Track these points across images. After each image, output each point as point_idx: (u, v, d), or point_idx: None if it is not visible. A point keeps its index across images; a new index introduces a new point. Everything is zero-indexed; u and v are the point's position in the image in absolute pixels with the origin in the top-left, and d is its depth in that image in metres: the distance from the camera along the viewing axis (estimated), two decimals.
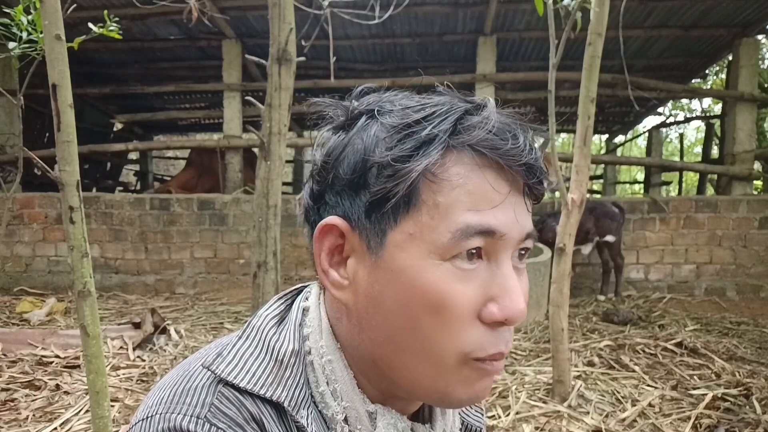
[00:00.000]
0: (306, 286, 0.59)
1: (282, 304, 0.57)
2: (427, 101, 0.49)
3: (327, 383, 0.51)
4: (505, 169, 0.47)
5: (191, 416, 0.45)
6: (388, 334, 0.48)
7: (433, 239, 0.46)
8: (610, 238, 5.40)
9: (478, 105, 0.49)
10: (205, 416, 0.46)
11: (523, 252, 0.51)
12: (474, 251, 0.46)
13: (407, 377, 0.49)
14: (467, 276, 0.46)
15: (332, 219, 0.50)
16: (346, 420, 0.51)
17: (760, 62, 8.23)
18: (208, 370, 0.49)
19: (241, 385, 0.48)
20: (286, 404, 0.48)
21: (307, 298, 0.56)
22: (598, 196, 9.96)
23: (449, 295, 0.45)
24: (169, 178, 10.04)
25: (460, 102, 0.49)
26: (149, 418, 0.46)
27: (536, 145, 0.50)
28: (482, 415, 0.69)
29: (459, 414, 0.64)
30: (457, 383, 0.48)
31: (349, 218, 0.49)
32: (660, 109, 10.51)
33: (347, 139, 0.50)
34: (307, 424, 0.49)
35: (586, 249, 5.43)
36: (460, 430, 0.63)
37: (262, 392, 0.48)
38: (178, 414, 0.46)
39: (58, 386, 2.80)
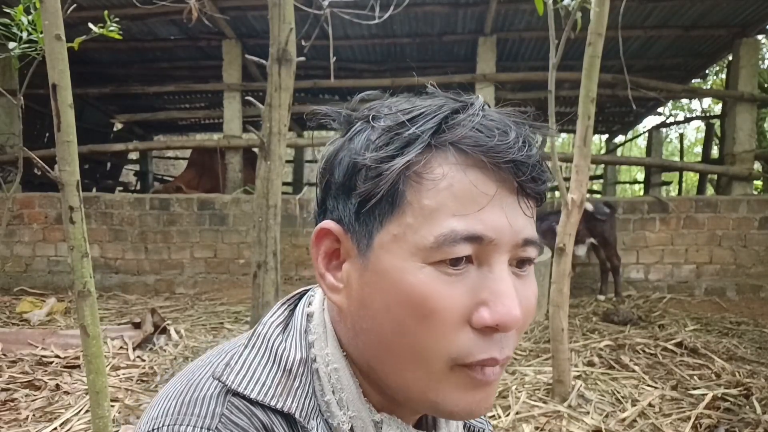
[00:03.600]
0: (308, 290, 0.58)
1: (286, 309, 0.56)
2: (420, 103, 0.48)
3: (333, 392, 0.50)
4: (490, 167, 0.45)
5: (201, 428, 0.44)
6: (378, 337, 0.48)
7: (416, 241, 0.45)
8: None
9: (467, 104, 0.48)
10: (216, 427, 0.44)
11: (525, 261, 0.48)
12: (462, 257, 0.45)
13: (399, 382, 0.48)
14: (454, 279, 0.45)
15: (327, 223, 0.50)
16: (352, 430, 0.50)
17: (760, 62, 8.24)
18: (218, 381, 0.48)
19: (252, 396, 0.47)
20: (297, 415, 0.47)
21: (310, 303, 0.56)
22: (598, 196, 9.96)
23: (433, 298, 0.44)
24: (169, 179, 10.04)
25: (453, 102, 0.48)
26: (156, 431, 0.45)
27: (535, 143, 0.47)
28: (487, 420, 0.68)
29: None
30: (448, 392, 0.46)
31: (342, 222, 0.49)
32: (660, 109, 10.51)
33: (342, 144, 0.50)
34: None
35: (580, 250, 5.41)
36: None
37: (272, 403, 0.47)
38: (188, 426, 0.44)
39: (58, 386, 2.80)
